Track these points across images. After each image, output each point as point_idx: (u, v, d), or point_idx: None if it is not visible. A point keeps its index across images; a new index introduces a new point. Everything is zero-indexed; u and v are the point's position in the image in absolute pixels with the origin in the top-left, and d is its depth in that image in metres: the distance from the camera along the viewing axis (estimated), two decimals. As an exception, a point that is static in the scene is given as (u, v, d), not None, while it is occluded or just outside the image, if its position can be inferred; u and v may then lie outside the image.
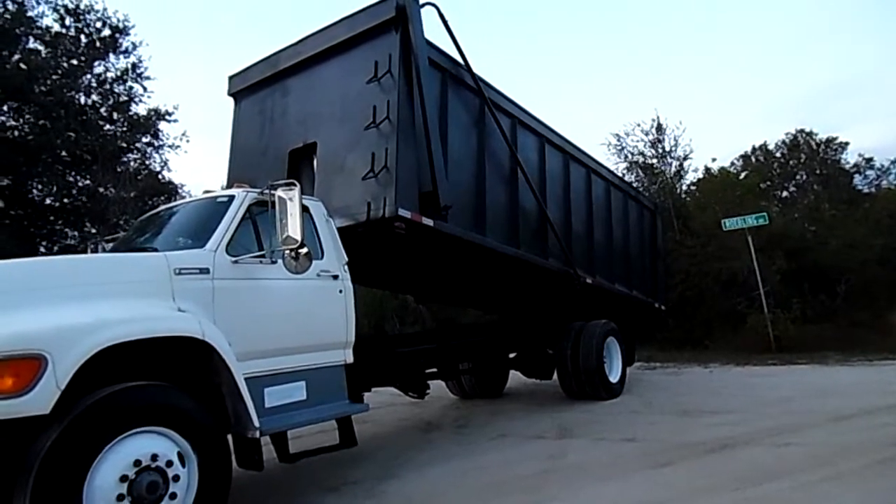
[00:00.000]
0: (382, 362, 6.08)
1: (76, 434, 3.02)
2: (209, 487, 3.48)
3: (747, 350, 12.76)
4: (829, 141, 22.06)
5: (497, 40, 48.29)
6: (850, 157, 21.82)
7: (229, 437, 3.89)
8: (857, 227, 15.65)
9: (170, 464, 3.32)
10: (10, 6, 14.99)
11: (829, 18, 39.70)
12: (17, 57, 15.27)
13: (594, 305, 8.75)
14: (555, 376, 8.29)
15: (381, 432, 6.91)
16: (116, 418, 3.19)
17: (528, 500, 4.15)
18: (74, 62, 16.74)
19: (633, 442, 5.65)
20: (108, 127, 17.63)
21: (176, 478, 3.34)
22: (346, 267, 4.94)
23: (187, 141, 19.81)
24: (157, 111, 18.31)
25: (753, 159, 23.08)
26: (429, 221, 5.60)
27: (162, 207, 5.53)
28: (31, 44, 15.93)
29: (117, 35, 17.34)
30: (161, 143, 18.72)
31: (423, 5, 5.89)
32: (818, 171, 21.74)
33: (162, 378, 3.58)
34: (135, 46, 17.62)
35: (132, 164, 18.39)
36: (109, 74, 17.60)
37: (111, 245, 5.55)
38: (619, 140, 19.74)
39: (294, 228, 3.97)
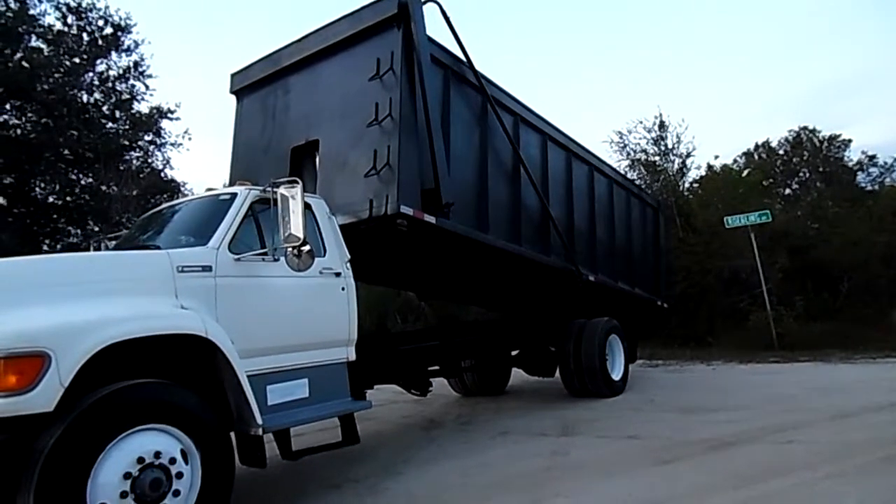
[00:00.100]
0: (385, 360, 6.08)
1: (80, 431, 3.03)
2: (212, 484, 3.49)
3: (750, 348, 12.73)
4: (833, 138, 22.00)
5: (499, 37, 48.27)
6: (853, 155, 21.77)
7: (232, 434, 3.89)
8: (860, 224, 15.60)
9: (173, 461, 3.33)
10: (13, 4, 15.00)
11: (833, 15, 39.61)
12: (19, 55, 15.29)
13: (596, 303, 8.75)
14: (557, 374, 8.29)
15: (384, 430, 6.91)
16: (120, 416, 3.19)
17: (531, 497, 4.15)
18: (77, 60, 16.76)
19: (636, 439, 5.65)
20: (110, 125, 17.66)
21: (179, 475, 3.35)
22: (348, 264, 4.93)
23: (189, 139, 19.92)
24: (159, 109, 18.37)
25: (756, 157, 23.05)
26: (431, 219, 5.59)
27: (164, 205, 5.53)
28: (34, 42, 15.95)
29: (119, 33, 17.36)
30: (163, 141, 18.79)
31: (426, 2, 5.89)
32: (821, 169, 21.68)
33: (165, 375, 3.59)
34: (137, 44, 17.67)
35: (134, 162, 18.44)
36: (112, 72, 17.65)
37: (114, 243, 5.56)
38: (621, 137, 19.70)
39: (296, 226, 3.97)
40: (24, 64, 15.13)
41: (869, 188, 20.66)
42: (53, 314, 3.19)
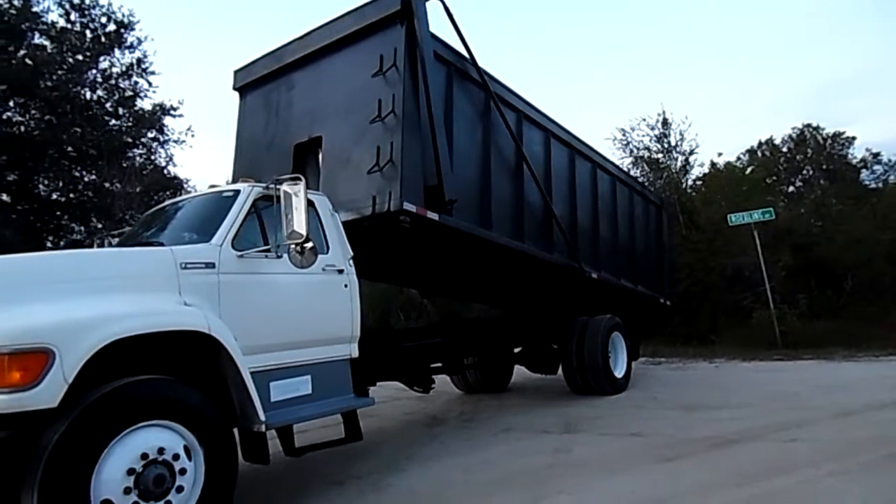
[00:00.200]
0: (387, 357, 6.09)
1: (83, 427, 3.03)
2: (215, 481, 3.49)
3: (753, 345, 12.73)
4: (836, 136, 21.95)
5: (502, 34, 48.20)
6: (857, 152, 21.72)
7: (235, 430, 3.90)
8: (863, 222, 15.56)
9: (176, 457, 3.33)
10: (16, 2, 15.01)
11: (838, 13, 39.47)
12: (22, 52, 15.30)
13: (599, 300, 8.75)
14: (560, 371, 8.29)
15: (387, 426, 6.92)
16: (123, 412, 3.20)
17: (534, 494, 4.15)
18: (80, 57, 16.76)
19: (639, 437, 5.65)
20: (113, 122, 17.68)
21: (182, 471, 3.35)
22: (351, 261, 4.93)
23: (192, 136, 19.94)
24: (162, 106, 18.38)
25: (760, 154, 22.99)
26: (434, 215, 5.59)
27: (167, 202, 5.53)
28: (37, 39, 15.97)
29: (122, 30, 17.35)
30: (166, 138, 18.81)
31: (429, -1, 5.87)
32: (825, 166, 21.63)
33: (168, 372, 3.59)
34: (140, 41, 17.68)
35: (138, 159, 18.47)
36: (115, 69, 17.65)
37: (117, 240, 5.57)
38: (624, 135, 19.66)
39: (299, 223, 3.97)
40: (28, 61, 15.15)
41: (873, 186, 20.63)
42: (57, 310, 3.19)
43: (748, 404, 6.88)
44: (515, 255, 7.05)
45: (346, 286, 4.82)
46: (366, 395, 4.98)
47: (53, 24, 16.21)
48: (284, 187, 4.12)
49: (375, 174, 5.40)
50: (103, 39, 17.13)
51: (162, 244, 4.22)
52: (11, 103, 15.43)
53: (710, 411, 6.64)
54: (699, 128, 43.28)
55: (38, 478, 2.88)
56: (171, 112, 18.45)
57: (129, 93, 17.92)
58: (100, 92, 17.54)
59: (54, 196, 16.71)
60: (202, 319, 3.68)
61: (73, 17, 16.57)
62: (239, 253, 4.13)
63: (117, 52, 17.50)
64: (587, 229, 8.65)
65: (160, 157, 19.02)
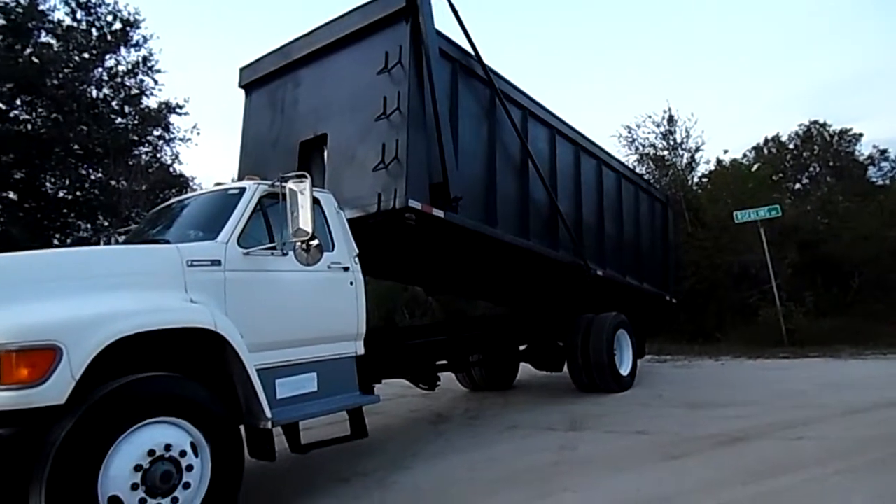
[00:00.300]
0: (393, 354, 6.09)
1: (91, 424, 3.05)
2: (222, 477, 3.51)
3: (759, 343, 12.66)
4: (843, 132, 21.88)
5: (507, 31, 48.10)
6: (864, 149, 21.66)
7: (242, 427, 3.91)
8: (870, 219, 15.48)
9: (183, 454, 3.35)
10: (23, 0, 15.06)
11: (844, 10, 39.22)
12: (29, 51, 15.37)
13: (604, 298, 8.73)
14: (565, 369, 8.28)
15: (392, 424, 6.93)
16: (130, 408, 3.21)
17: (539, 491, 4.15)
18: (86, 56, 16.83)
19: (644, 435, 5.64)
20: (119, 120, 17.74)
21: (189, 467, 3.37)
22: (356, 259, 4.94)
23: (198, 134, 19.99)
24: (167, 104, 18.42)
25: (766, 151, 22.92)
26: (439, 213, 5.59)
27: (173, 200, 5.55)
28: (43, 37, 16.03)
29: (128, 28, 17.41)
30: (172, 135, 18.87)
31: (434, -5, 5.86)
32: (831, 163, 21.56)
33: (175, 369, 3.61)
34: (145, 39, 17.73)
35: (144, 157, 18.52)
36: (121, 68, 17.73)
37: (123, 237, 5.59)
38: (630, 132, 19.61)
39: (305, 220, 3.98)
40: (34, 59, 15.21)
41: (880, 183, 20.55)
42: (64, 308, 3.21)
43: (754, 402, 6.85)
44: (521, 252, 7.04)
45: (351, 283, 4.83)
46: (371, 393, 4.99)
47: (59, 22, 16.29)
48: (290, 185, 4.13)
49: (381, 171, 5.40)
50: (109, 38, 17.19)
51: (168, 242, 4.23)
52: (18, 101, 15.50)
53: (715, 409, 6.62)
54: (705, 125, 43.15)
55: (46, 474, 2.90)
56: (177, 110, 18.53)
57: (135, 91, 17.99)
58: (106, 90, 17.61)
59: (61, 194, 16.78)
60: (208, 317, 3.69)
61: (79, 15, 16.64)
62: (245, 250, 4.14)
63: (123, 50, 17.59)
64: (592, 226, 8.63)
65: (166, 155, 19.11)
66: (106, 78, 17.52)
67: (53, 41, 16.17)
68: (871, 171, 21.51)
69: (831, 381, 8.17)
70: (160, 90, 18.22)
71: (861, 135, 21.65)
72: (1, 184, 15.30)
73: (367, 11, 5.90)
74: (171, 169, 18.94)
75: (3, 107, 14.92)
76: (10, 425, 2.94)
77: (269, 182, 4.47)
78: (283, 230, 4.23)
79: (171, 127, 18.73)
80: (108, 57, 17.36)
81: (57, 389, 2.98)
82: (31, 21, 15.28)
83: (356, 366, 4.77)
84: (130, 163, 16.94)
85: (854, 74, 38.24)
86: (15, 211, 15.51)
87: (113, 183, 16.58)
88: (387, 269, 7.94)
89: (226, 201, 4.46)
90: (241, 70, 7.18)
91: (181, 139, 18.86)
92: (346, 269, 4.82)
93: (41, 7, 15.65)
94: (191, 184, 18.45)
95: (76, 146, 16.10)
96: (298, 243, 4.06)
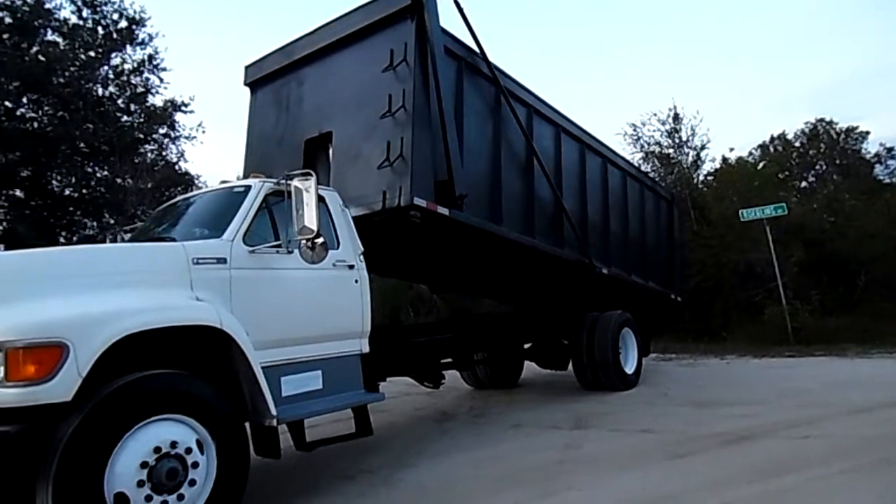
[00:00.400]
0: (398, 352, 6.09)
1: (97, 421, 3.06)
2: (227, 474, 3.52)
3: (765, 342, 12.62)
4: (850, 130, 21.77)
5: (512, 29, 48.02)
6: (870, 147, 21.56)
7: (247, 425, 3.92)
8: (877, 217, 15.40)
9: (189, 451, 3.36)
10: (29, -1, 15.14)
11: (850, 7, 38.99)
12: (35, 49, 15.44)
13: (610, 296, 8.71)
14: (570, 367, 8.27)
15: (397, 422, 6.94)
16: (136, 406, 3.22)
17: (543, 490, 4.15)
18: (92, 54, 16.90)
19: (649, 433, 5.63)
20: (125, 118, 17.81)
21: (195, 465, 3.38)
22: (361, 257, 4.94)
23: (203, 132, 20.08)
24: (173, 102, 18.51)
25: (772, 149, 22.85)
26: (444, 210, 5.58)
27: (179, 198, 5.56)
28: (50, 36, 16.11)
29: (134, 26, 17.47)
30: (177, 133, 18.96)
31: (439, -7, 5.85)
32: (838, 161, 21.46)
33: (180, 367, 3.62)
34: (151, 38, 17.80)
35: (149, 155, 18.61)
36: (126, 66, 17.81)
37: (129, 235, 5.60)
38: (635, 130, 19.57)
39: (310, 218, 3.98)
40: (41, 58, 15.28)
41: (887, 181, 20.44)
42: (71, 305, 3.22)
43: (760, 401, 6.83)
44: (526, 250, 7.04)
45: (356, 281, 4.83)
46: (376, 391, 4.99)
47: (65, 20, 16.36)
48: (295, 183, 4.13)
49: (386, 169, 5.40)
50: (115, 36, 17.25)
51: (174, 240, 4.23)
52: (25, 100, 15.57)
53: (721, 408, 6.60)
54: (710, 123, 43.01)
55: (52, 471, 2.92)
56: (183, 108, 18.60)
57: (141, 89, 18.06)
58: (112, 88, 17.69)
59: (67, 192, 16.86)
60: (214, 314, 3.70)
61: (84, 13, 16.72)
62: (250, 248, 4.15)
63: (129, 48, 17.66)
64: (598, 224, 8.61)
65: (171, 153, 19.20)
66: (112, 76, 17.61)
67: (59, 39, 16.26)
68: (878, 169, 21.43)
69: (837, 380, 8.14)
70: (166, 88, 18.46)
71: (868, 133, 21.59)
72: (7, 182, 15.38)
73: (372, 9, 5.90)
74: (176, 167, 19.04)
75: (10, 105, 14.99)
76: (17, 422, 2.95)
77: (275, 180, 4.47)
78: (288, 228, 4.24)
79: (176, 125, 18.85)
80: (113, 55, 17.45)
81: (64, 386, 2.99)
82: (37, 19, 15.34)
83: (361, 364, 4.77)
84: (136, 161, 17.02)
85: (861, 72, 38.10)
86: (21, 209, 15.59)
87: (119, 181, 16.66)
88: (392, 267, 7.95)
89: (231, 199, 4.46)
90: (246, 68, 7.20)
91: (187, 137, 18.97)
92: (352, 267, 4.82)
93: (47, 5, 15.74)
94: (196, 182, 18.55)
95: (82, 144, 16.17)
96: (304, 241, 4.06)
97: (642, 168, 16.40)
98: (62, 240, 16.08)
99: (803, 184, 21.59)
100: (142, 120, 18.11)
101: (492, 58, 6.43)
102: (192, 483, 3.35)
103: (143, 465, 3.17)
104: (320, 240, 4.05)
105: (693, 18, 41.97)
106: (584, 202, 8.27)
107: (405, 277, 10.82)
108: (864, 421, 5.63)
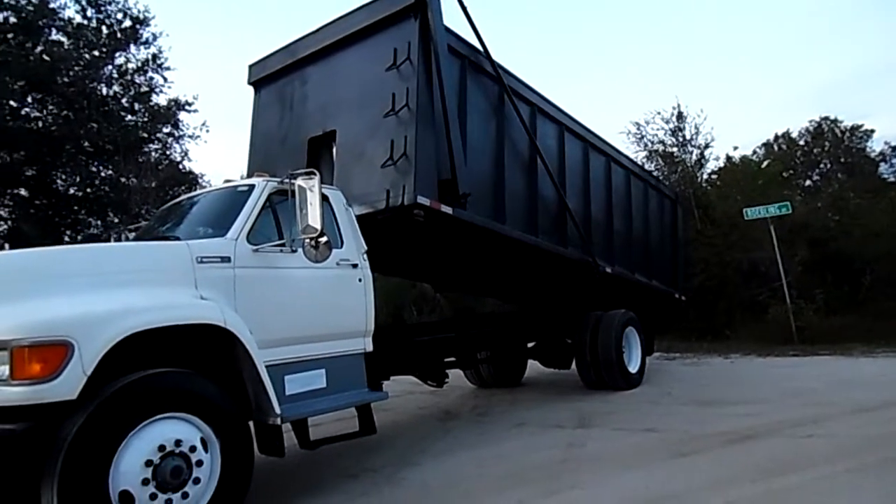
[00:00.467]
0: (401, 351, 6.10)
1: (102, 419, 3.07)
2: (231, 473, 3.53)
3: (769, 341, 12.58)
4: (855, 128, 21.69)
5: (515, 27, 47.97)
6: (875, 145, 21.47)
7: (251, 423, 3.93)
8: (882, 216, 15.31)
9: (193, 449, 3.37)
10: (34, -2, 15.17)
11: (855, 4, 38.85)
12: (40, 48, 15.47)
13: (613, 295, 8.70)
14: (573, 366, 8.27)
15: (400, 420, 6.94)
16: (141, 404, 3.24)
17: (547, 488, 4.15)
18: (96, 53, 16.93)
19: (653, 432, 5.62)
20: (129, 117, 17.84)
21: (199, 463, 3.39)
22: (365, 255, 4.95)
23: (207, 131, 20.02)
24: (177, 101, 18.53)
25: (776, 147, 22.78)
26: (448, 209, 5.58)
27: (183, 197, 5.57)
28: (54, 35, 16.14)
29: (138, 26, 17.50)
30: (181, 133, 18.96)
31: (443, -9, 5.85)
32: (843, 160, 21.39)
33: (185, 365, 3.63)
34: (155, 37, 17.82)
35: (153, 154, 18.63)
36: (130, 65, 17.83)
37: (134, 234, 5.62)
38: (638, 128, 19.48)
39: (314, 217, 3.99)
40: (45, 57, 15.31)
41: (892, 179, 20.36)
42: (76, 304, 3.23)
43: (764, 400, 6.82)
44: (529, 249, 7.03)
45: (360, 280, 4.84)
46: (380, 389, 4.99)
47: (70, 20, 16.40)
48: (299, 182, 4.14)
49: (389, 168, 5.40)
50: (119, 35, 17.28)
51: (178, 238, 4.25)
52: (29, 99, 15.62)
53: (725, 407, 6.59)
54: (714, 121, 42.79)
55: (57, 469, 2.93)
56: (186, 107, 18.61)
57: (145, 88, 18.09)
58: (116, 87, 17.72)
59: (71, 191, 16.91)
60: (218, 313, 3.71)
61: (89, 13, 16.74)
62: (254, 247, 4.15)
63: (133, 47, 17.68)
64: (601, 223, 8.60)
65: (175, 152, 19.21)
66: (116, 75, 17.63)
67: (64, 39, 16.28)
68: (883, 167, 21.34)
69: (841, 379, 8.12)
70: (170, 87, 18.43)
71: (872, 131, 21.50)
72: (12, 181, 15.43)
73: (376, 8, 5.90)
74: (180, 166, 19.06)
75: (15, 104, 15.02)
76: (22, 420, 2.97)
77: (279, 179, 4.48)
78: (292, 227, 4.25)
79: (180, 124, 18.86)
80: (117, 54, 17.48)
81: (69, 385, 3.01)
82: (41, 19, 15.38)
83: (365, 362, 4.78)
84: (140, 160, 17.04)
85: (866, 70, 37.94)
86: (26, 208, 15.64)
87: (123, 180, 16.69)
88: (395, 266, 7.95)
89: (235, 198, 4.47)
90: (250, 67, 7.20)
91: (190, 136, 18.97)
92: (355, 265, 4.83)
93: (52, 5, 15.78)
94: (200, 181, 18.55)
95: (86, 143, 16.21)
96: (307, 240, 4.07)
97: (646, 167, 16.37)
98: (67, 239, 16.12)
99: (808, 182, 21.52)
100: (146, 119, 18.15)
101: (495, 56, 6.44)
102: (197, 481, 3.37)
103: (148, 463, 3.18)
104: (324, 239, 4.06)
105: (694, 18, 41.89)
106: (588, 201, 8.26)
107: (408, 276, 10.84)
108: (868, 420, 5.62)
